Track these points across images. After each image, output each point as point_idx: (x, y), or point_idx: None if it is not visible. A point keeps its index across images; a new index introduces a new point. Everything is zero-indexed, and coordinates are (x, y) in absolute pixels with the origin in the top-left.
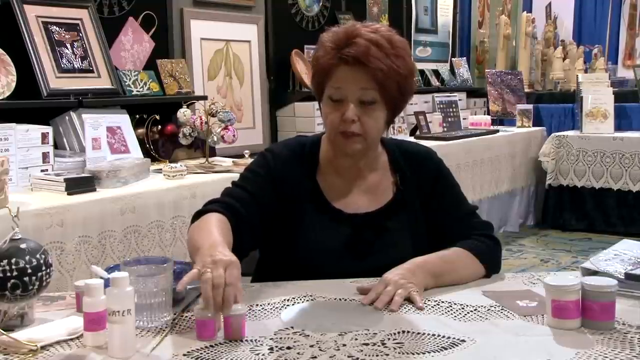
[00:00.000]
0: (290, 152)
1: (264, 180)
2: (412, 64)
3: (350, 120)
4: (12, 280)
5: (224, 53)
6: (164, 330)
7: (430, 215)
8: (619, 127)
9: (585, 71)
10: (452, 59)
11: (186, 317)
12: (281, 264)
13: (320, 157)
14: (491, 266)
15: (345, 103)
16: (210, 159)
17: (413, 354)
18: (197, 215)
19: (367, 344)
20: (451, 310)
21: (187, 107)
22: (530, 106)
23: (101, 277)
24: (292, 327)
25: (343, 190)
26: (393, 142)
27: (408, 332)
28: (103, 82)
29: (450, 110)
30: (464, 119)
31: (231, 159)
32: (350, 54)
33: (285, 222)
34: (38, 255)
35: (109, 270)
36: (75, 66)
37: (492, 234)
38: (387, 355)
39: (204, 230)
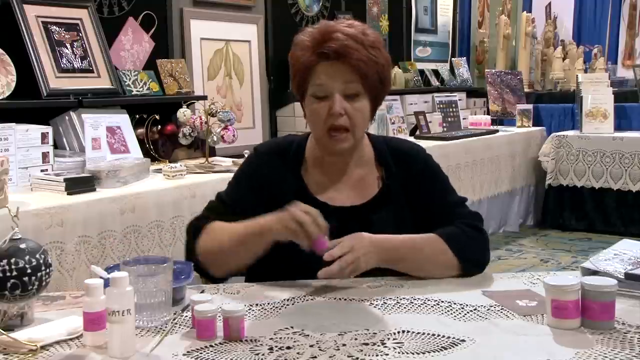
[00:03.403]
0: (275, 150)
1: (246, 189)
2: (387, 55)
3: (338, 114)
4: (12, 280)
5: (223, 53)
6: (164, 330)
7: (417, 210)
8: (618, 127)
9: (585, 71)
10: (452, 58)
11: (186, 317)
12: (270, 261)
13: (306, 154)
14: (465, 257)
15: (330, 98)
16: (210, 159)
17: (413, 353)
18: (195, 230)
19: (367, 344)
20: (451, 310)
21: (187, 107)
22: (530, 106)
23: (101, 277)
24: (292, 327)
25: (328, 186)
26: (382, 139)
27: (408, 332)
28: (103, 82)
29: (450, 110)
30: (463, 118)
31: (231, 159)
32: (331, 48)
33: None
34: (38, 255)
35: (109, 270)
36: (75, 66)
37: (479, 224)
38: (387, 355)
39: (230, 226)
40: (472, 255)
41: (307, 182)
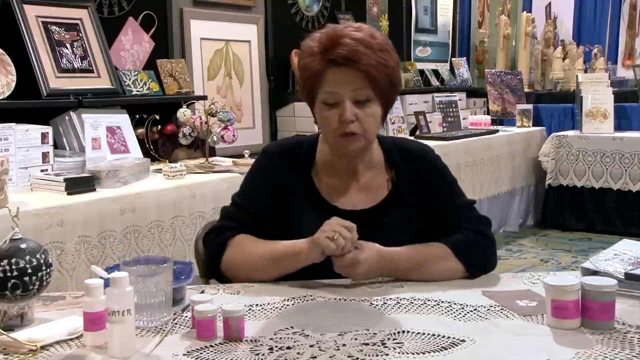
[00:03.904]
0: (284, 151)
1: (258, 190)
2: (396, 56)
3: (349, 121)
4: (12, 280)
5: (223, 53)
6: (164, 331)
7: (425, 211)
8: (618, 127)
9: (585, 71)
10: (452, 58)
11: (186, 317)
12: None
13: (317, 157)
14: (471, 263)
15: (341, 105)
16: (210, 159)
17: (413, 354)
18: (220, 243)
19: (367, 344)
20: (451, 310)
21: (187, 107)
22: (530, 106)
23: (101, 277)
24: (292, 327)
25: (339, 189)
26: (390, 140)
27: (408, 332)
28: (103, 82)
29: (450, 110)
30: (463, 118)
31: (231, 159)
32: (340, 54)
33: (282, 221)
34: (38, 255)
35: (109, 270)
36: (75, 66)
37: (485, 229)
38: (387, 355)
39: (262, 243)
40: (477, 261)
41: (318, 185)
